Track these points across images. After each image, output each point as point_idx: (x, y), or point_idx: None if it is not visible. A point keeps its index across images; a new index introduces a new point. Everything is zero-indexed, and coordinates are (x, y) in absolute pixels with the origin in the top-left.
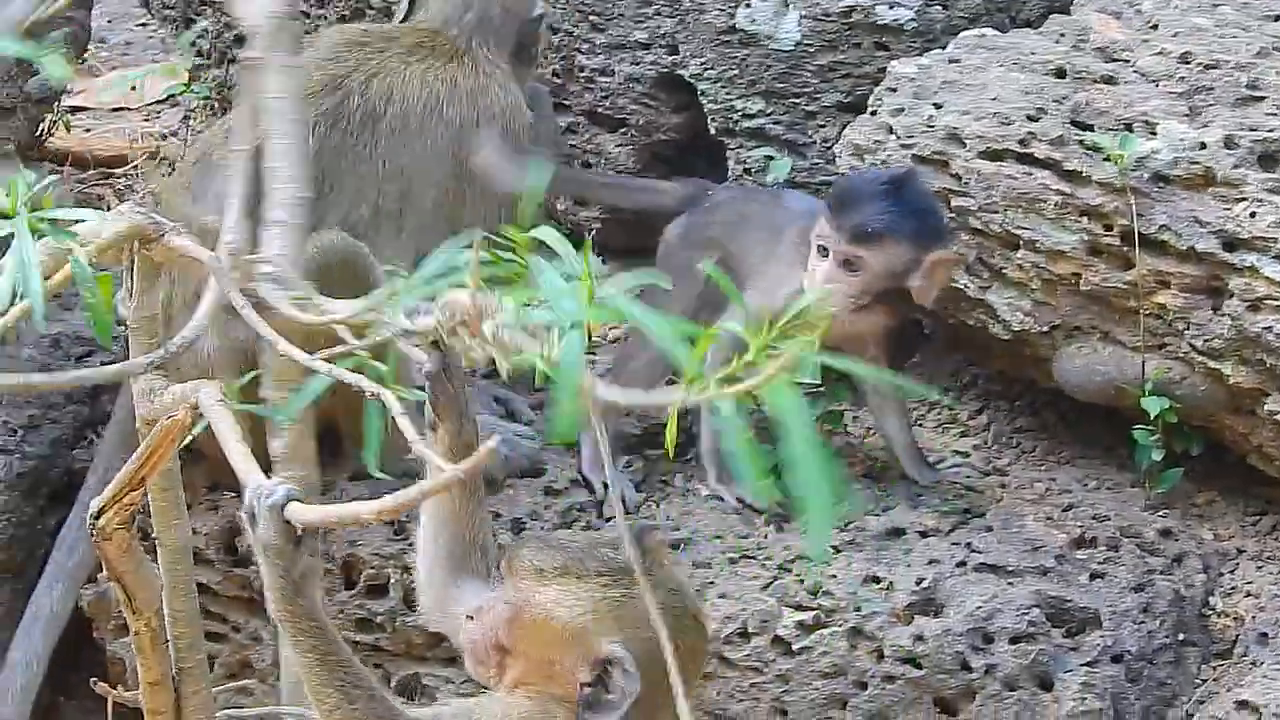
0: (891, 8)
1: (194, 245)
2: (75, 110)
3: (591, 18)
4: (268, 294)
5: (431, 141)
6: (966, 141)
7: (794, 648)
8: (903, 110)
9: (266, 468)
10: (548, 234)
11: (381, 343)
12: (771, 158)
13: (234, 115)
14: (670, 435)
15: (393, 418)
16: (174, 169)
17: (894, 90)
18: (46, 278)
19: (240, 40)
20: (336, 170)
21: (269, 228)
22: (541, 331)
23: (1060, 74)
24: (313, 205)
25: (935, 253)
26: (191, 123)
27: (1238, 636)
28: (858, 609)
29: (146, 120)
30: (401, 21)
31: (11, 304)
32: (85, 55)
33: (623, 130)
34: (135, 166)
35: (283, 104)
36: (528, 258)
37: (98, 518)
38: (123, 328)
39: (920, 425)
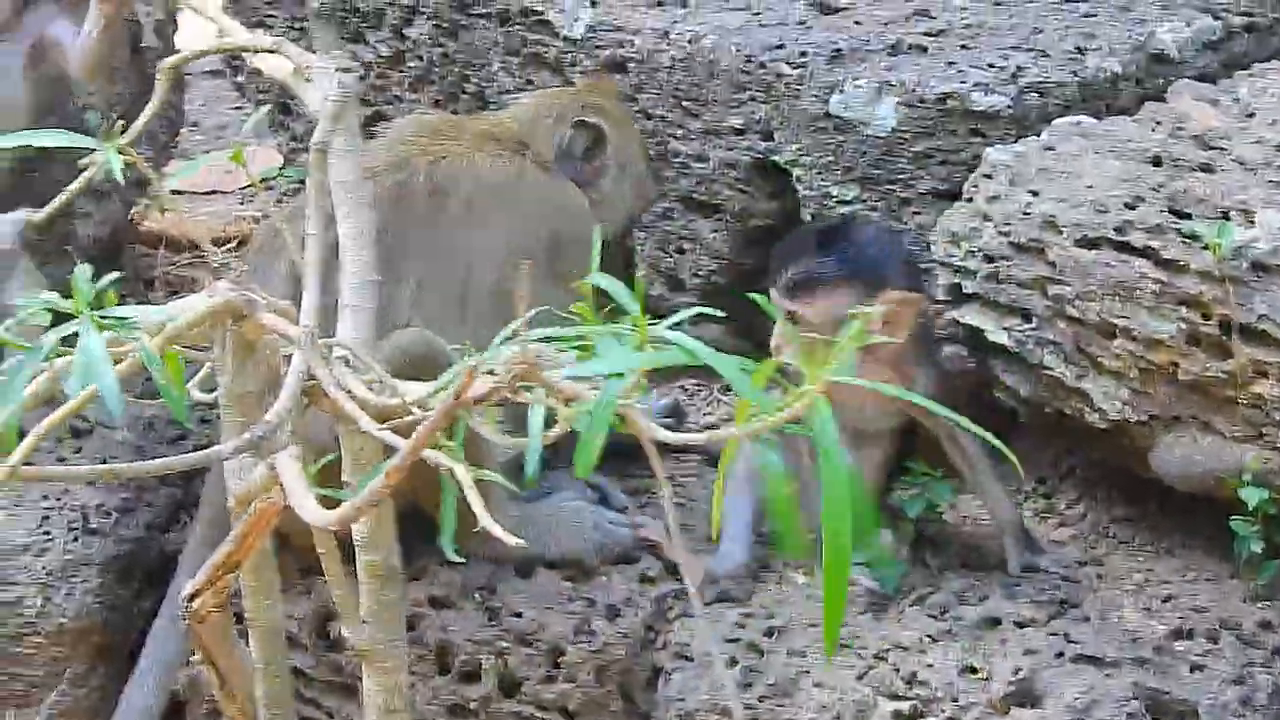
0: (987, 94)
1: (284, 322)
2: (172, 193)
3: (685, 103)
4: (343, 377)
5: (495, 228)
6: (1063, 229)
7: None
8: (998, 197)
9: (349, 550)
10: (602, 279)
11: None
12: None
13: (302, 197)
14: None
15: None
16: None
17: (989, 177)
18: (117, 361)
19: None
20: (401, 251)
21: (341, 311)
22: (600, 380)
23: (1157, 162)
24: (381, 288)
25: (886, 293)
26: (286, 204)
27: None
28: (954, 699)
29: (242, 203)
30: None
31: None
32: (178, 138)
33: (717, 215)
34: (229, 249)
35: (350, 186)
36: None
37: (191, 600)
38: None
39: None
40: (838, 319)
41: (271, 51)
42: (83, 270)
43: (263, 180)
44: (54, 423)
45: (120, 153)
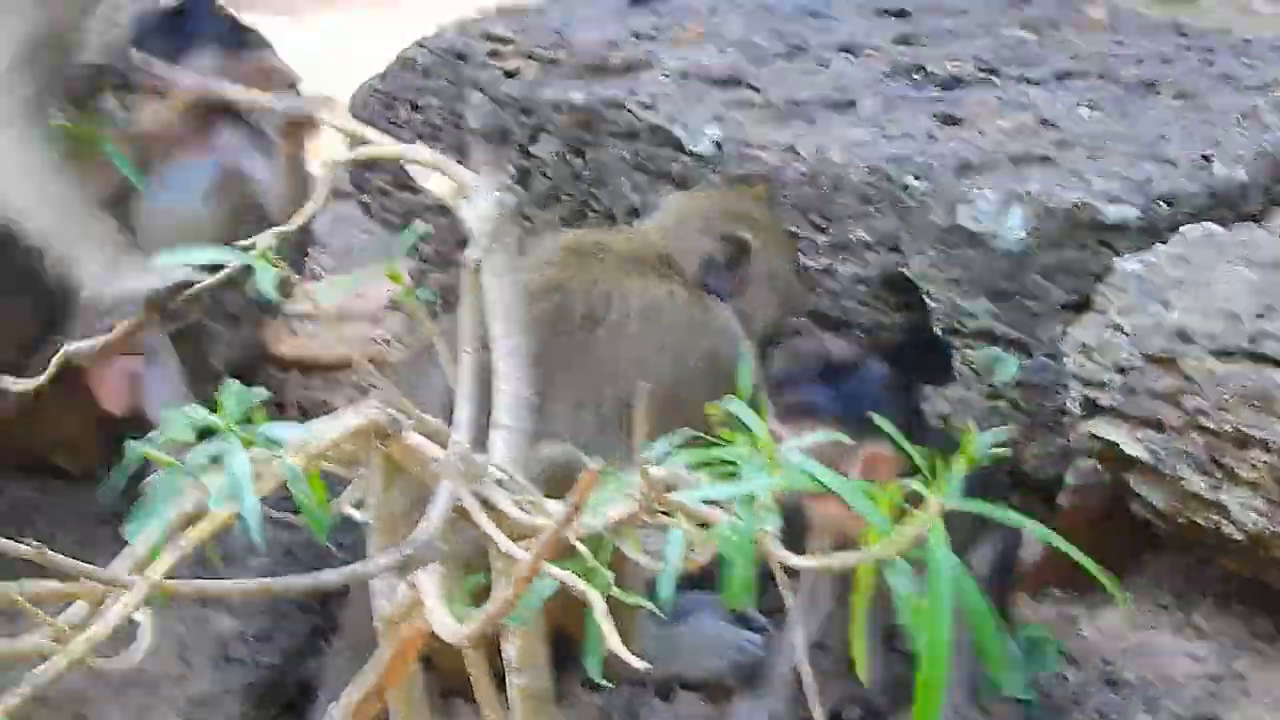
0: (1116, 205)
1: (428, 443)
2: (300, 317)
3: (813, 218)
4: (494, 496)
5: (649, 350)
6: (1196, 340)
7: None
8: (1130, 308)
9: (499, 674)
10: (733, 404)
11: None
12: (997, 357)
13: (456, 316)
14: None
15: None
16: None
17: (1120, 288)
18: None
19: (462, 244)
20: (553, 374)
21: (495, 430)
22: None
23: None
24: (536, 409)
25: (867, 448)
26: (415, 327)
27: None
28: None
29: (371, 325)
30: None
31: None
32: (306, 260)
33: (845, 329)
34: (359, 370)
35: (506, 307)
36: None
37: None
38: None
39: (1154, 628)
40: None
41: (435, 167)
42: (231, 386)
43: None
44: (197, 538)
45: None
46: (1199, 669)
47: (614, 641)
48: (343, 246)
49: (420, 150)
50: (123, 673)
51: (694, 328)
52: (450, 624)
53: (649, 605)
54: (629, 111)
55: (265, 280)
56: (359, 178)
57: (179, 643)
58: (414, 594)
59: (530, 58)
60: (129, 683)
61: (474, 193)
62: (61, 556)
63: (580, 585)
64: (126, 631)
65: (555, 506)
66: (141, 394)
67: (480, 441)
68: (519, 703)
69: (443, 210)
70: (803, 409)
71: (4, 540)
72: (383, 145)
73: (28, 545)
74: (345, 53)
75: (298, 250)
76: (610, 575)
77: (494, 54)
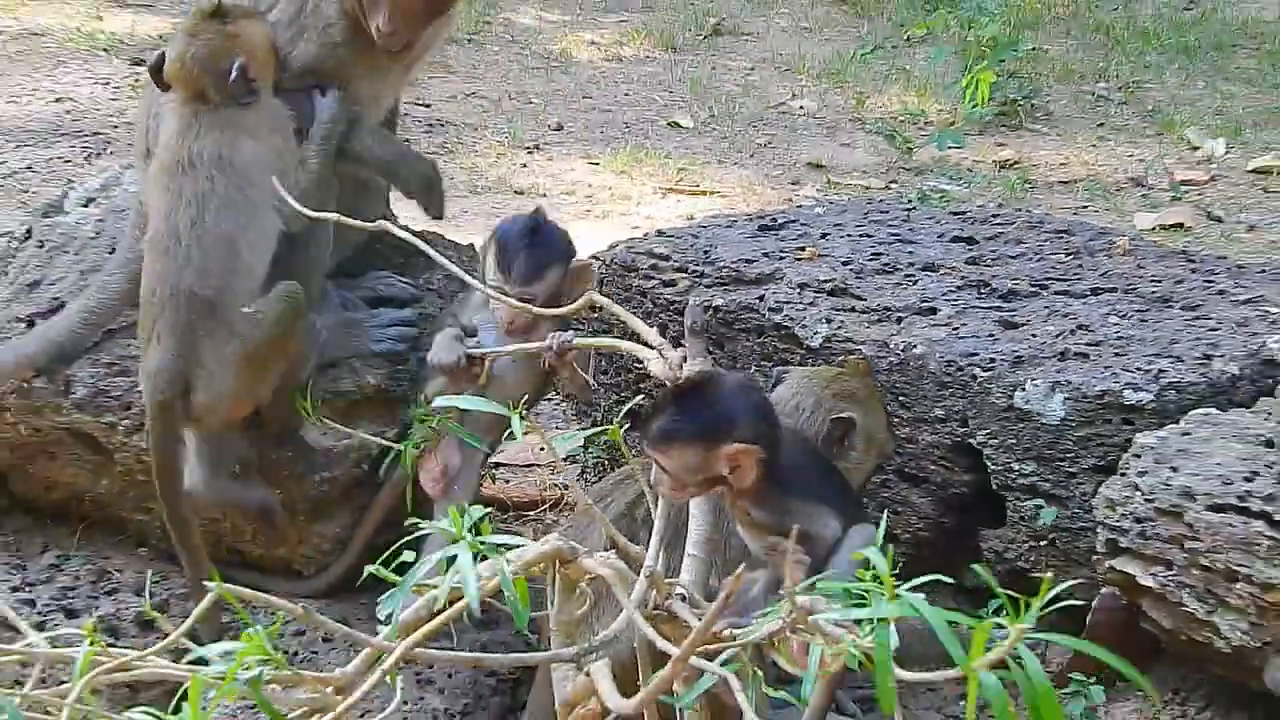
0: (1136, 392)
1: (598, 565)
2: (496, 465)
3: (900, 397)
4: (679, 610)
5: None
6: (1196, 497)
7: None
8: (1145, 472)
9: None
10: (874, 554)
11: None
12: (1041, 507)
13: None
14: None
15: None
16: (573, 509)
17: (1139, 456)
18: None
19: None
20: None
21: (687, 558)
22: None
23: (1269, 444)
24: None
25: (726, 447)
26: (587, 477)
27: None
28: None
29: (553, 474)
30: None
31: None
32: None
33: (923, 485)
34: (544, 510)
35: None
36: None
37: None
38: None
39: (1160, 718)
40: (689, 468)
41: (659, 351)
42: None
43: (567, 457)
44: (436, 626)
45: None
46: None
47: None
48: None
49: (653, 334)
50: None
51: None
52: (619, 700)
53: (793, 700)
54: (759, 314)
55: (517, 429)
56: None
57: (402, 716)
58: (588, 681)
59: (682, 271)
60: None
61: (685, 371)
62: (327, 619)
63: (733, 680)
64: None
65: (710, 608)
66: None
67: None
68: None
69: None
70: (667, 437)
71: (277, 599)
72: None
73: (295, 606)
74: None
75: None
76: (762, 675)
77: (655, 267)
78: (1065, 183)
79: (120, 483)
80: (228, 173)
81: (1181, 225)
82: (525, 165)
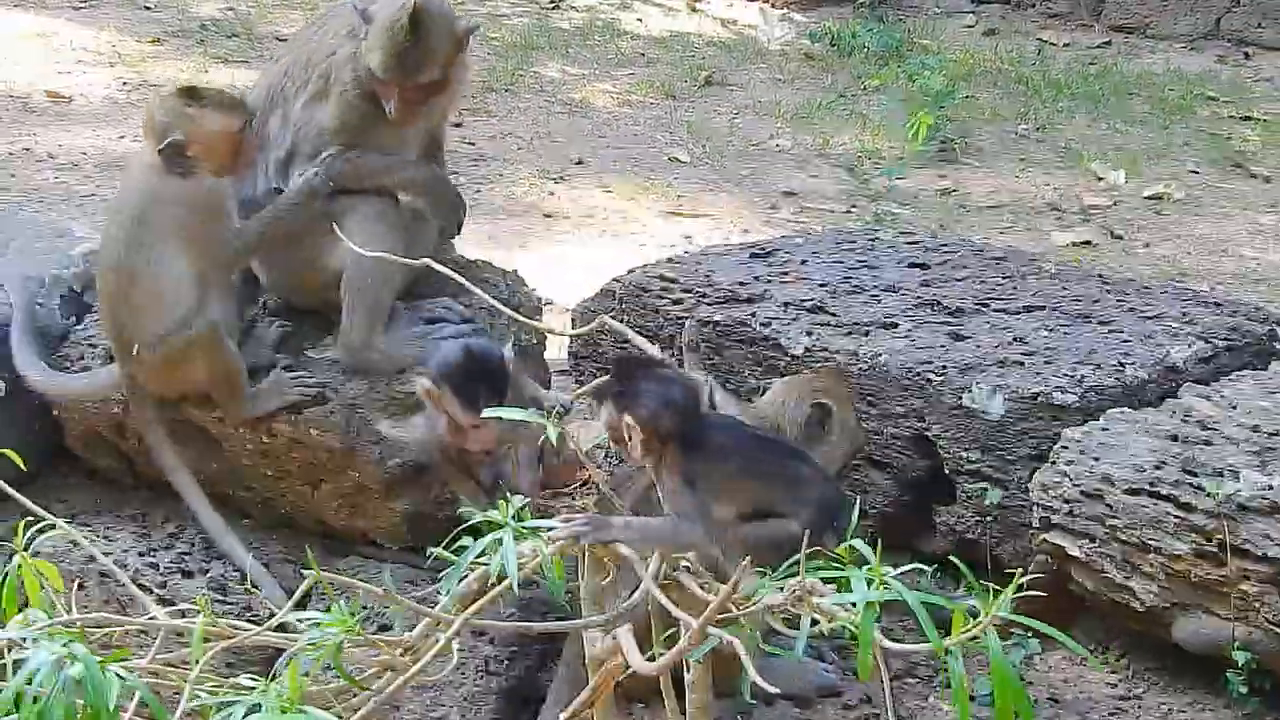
0: (1063, 393)
1: (624, 550)
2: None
3: (868, 397)
4: (684, 580)
5: None
6: (1115, 482)
7: None
8: (1072, 461)
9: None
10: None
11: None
12: (985, 489)
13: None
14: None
15: None
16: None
17: (1066, 448)
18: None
19: None
20: None
21: None
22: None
23: (1174, 438)
24: None
25: (624, 417)
26: (611, 460)
27: None
28: None
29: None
30: None
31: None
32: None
33: (887, 469)
34: (578, 488)
35: None
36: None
37: None
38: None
39: (1084, 664)
40: (609, 424)
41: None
42: (515, 499)
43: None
44: (485, 601)
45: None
46: (1112, 692)
47: (753, 674)
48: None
49: (654, 350)
50: (418, 679)
51: None
52: (643, 662)
53: (780, 652)
54: (750, 327)
55: (553, 434)
56: None
57: (458, 659)
58: (614, 642)
59: (687, 291)
60: (422, 687)
61: None
62: (403, 598)
63: (735, 641)
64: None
65: (723, 589)
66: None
67: None
68: (692, 711)
69: None
70: (596, 392)
71: (360, 583)
72: (629, 333)
73: (375, 589)
74: (561, 272)
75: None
76: (759, 635)
77: (664, 289)
78: (994, 206)
79: (228, 465)
80: (144, 228)
81: (1089, 242)
82: (552, 193)
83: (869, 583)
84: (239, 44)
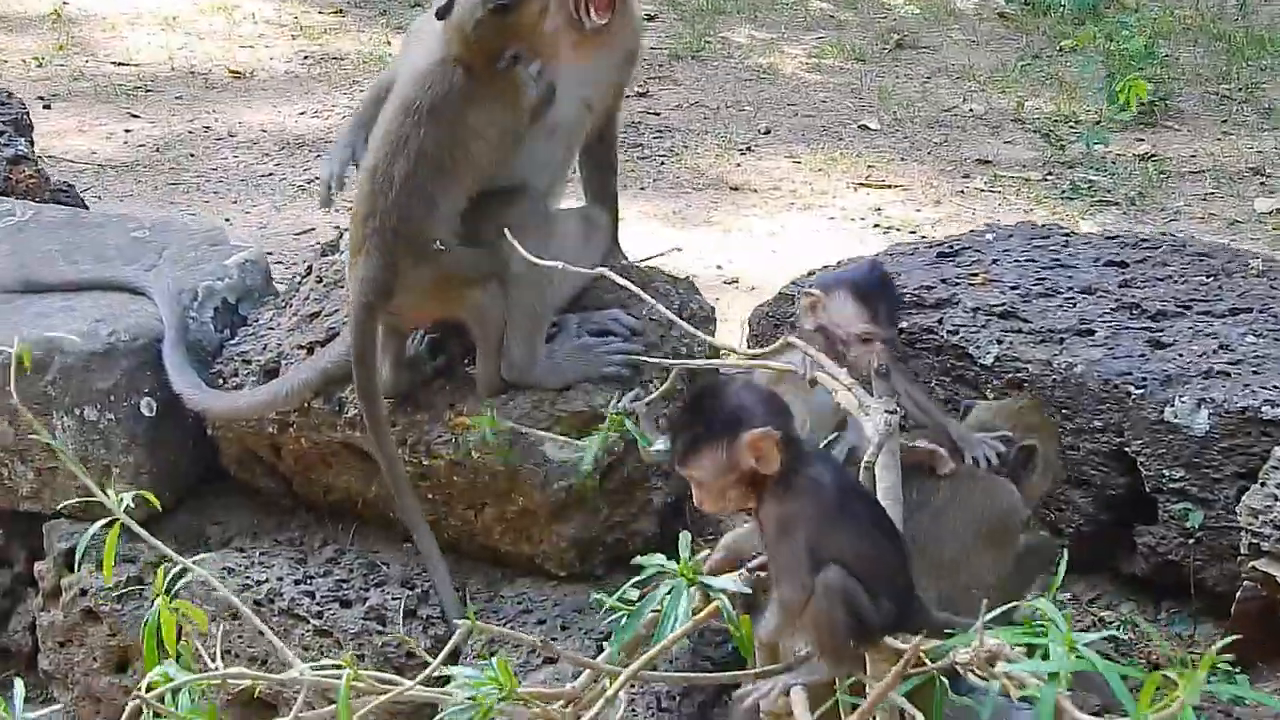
0: (1273, 407)
1: None
2: None
3: (1063, 410)
4: None
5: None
6: None
7: None
8: None
9: None
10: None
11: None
12: (1189, 509)
13: None
14: None
15: None
16: None
17: (1277, 468)
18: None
19: None
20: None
21: None
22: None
23: None
24: None
25: (742, 438)
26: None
27: None
28: None
29: None
30: None
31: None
32: None
33: (1084, 487)
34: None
35: (888, 489)
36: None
37: None
38: None
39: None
40: (719, 470)
41: (848, 389)
42: (685, 537)
43: None
44: (654, 655)
45: None
46: None
47: None
48: None
49: (847, 378)
50: None
51: (991, 501)
52: None
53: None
54: (938, 335)
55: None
56: None
57: (628, 699)
58: (787, 701)
59: None
60: None
61: (873, 411)
62: (564, 649)
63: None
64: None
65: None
66: None
67: None
68: None
69: None
70: (687, 448)
71: (521, 634)
72: (816, 355)
73: (532, 638)
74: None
75: None
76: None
77: None
78: (1194, 173)
79: (387, 488)
80: (447, 135)
81: None
82: (739, 165)
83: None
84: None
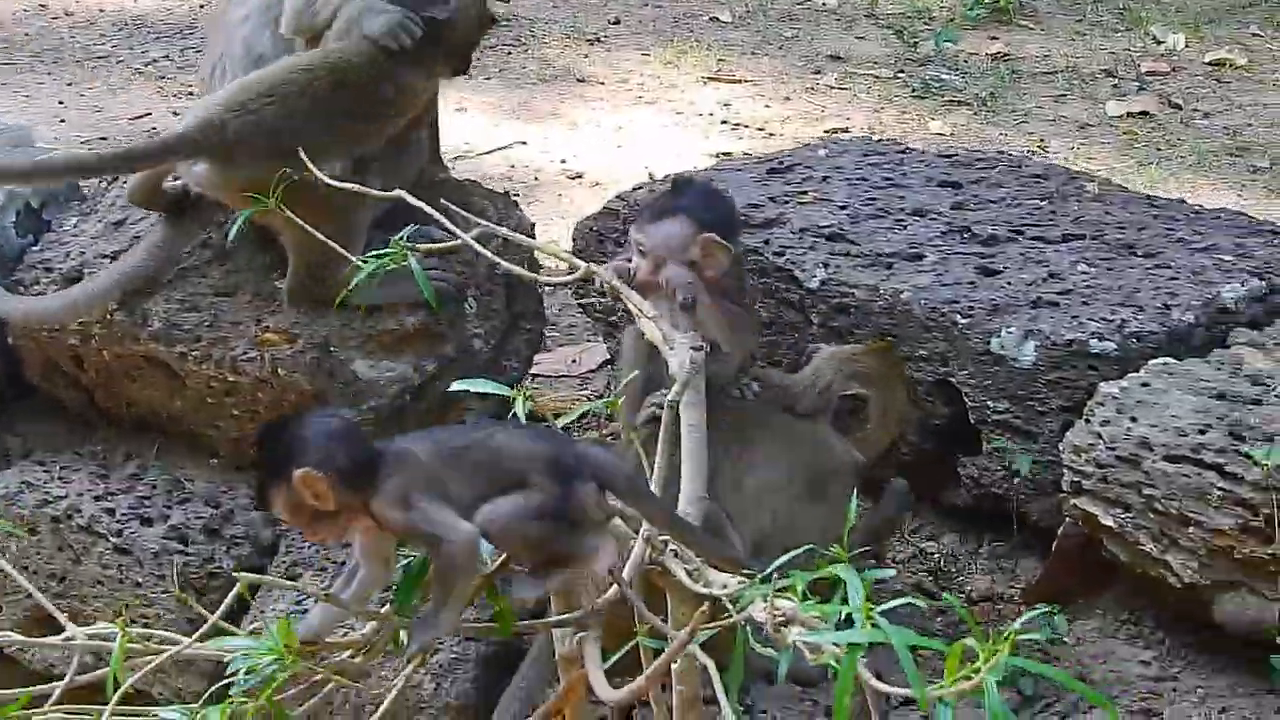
0: (1100, 340)
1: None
2: (534, 376)
3: (888, 338)
4: (671, 564)
5: (774, 463)
6: (1154, 448)
7: None
8: (1108, 421)
9: None
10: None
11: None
12: (1016, 450)
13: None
14: None
15: None
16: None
17: (1102, 404)
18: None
19: None
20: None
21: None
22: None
23: (1221, 396)
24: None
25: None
26: (613, 386)
27: None
28: None
29: (582, 386)
30: None
31: None
32: (543, 337)
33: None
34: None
35: (695, 429)
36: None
37: None
38: None
39: (1115, 638)
40: (292, 511)
41: (652, 321)
42: None
43: (601, 365)
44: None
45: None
46: (1145, 671)
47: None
48: (567, 324)
49: (647, 306)
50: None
51: (817, 449)
52: (605, 688)
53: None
54: (764, 257)
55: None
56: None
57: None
58: (576, 648)
59: None
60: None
61: (677, 346)
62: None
63: (712, 668)
64: None
65: (715, 576)
66: None
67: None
68: (679, 702)
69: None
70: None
71: (300, 585)
72: (622, 289)
73: (315, 590)
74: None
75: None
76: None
77: None
78: (1048, 73)
79: (192, 402)
80: None
81: (1146, 113)
82: (587, 56)
83: (850, 619)
84: None
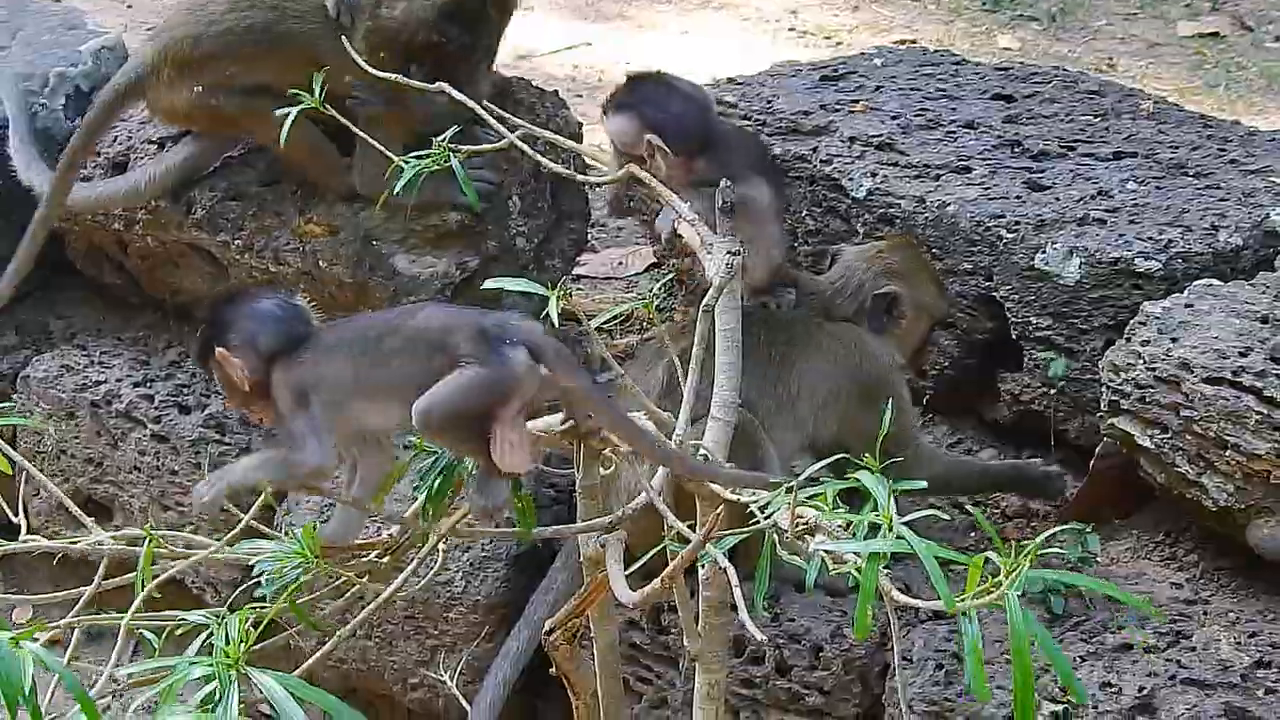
0: (1145, 260)
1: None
2: (578, 279)
3: (934, 250)
4: (699, 469)
5: (819, 372)
6: (1194, 369)
7: None
8: (1149, 341)
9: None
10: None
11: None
12: (1053, 358)
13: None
14: None
15: None
16: (643, 326)
17: (1144, 324)
18: None
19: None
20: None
21: (710, 421)
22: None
23: (1264, 320)
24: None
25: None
26: (656, 289)
27: None
28: (1095, 707)
29: (628, 290)
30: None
31: None
32: (589, 237)
33: (950, 329)
34: (617, 324)
35: (729, 334)
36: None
37: (550, 633)
38: None
39: (1147, 559)
40: (229, 385)
41: (690, 223)
42: None
43: (647, 269)
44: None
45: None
46: (1177, 594)
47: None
48: (615, 226)
49: (685, 209)
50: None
51: (854, 355)
52: (624, 590)
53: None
54: (811, 164)
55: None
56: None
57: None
58: (600, 551)
59: (746, 119)
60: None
61: (715, 250)
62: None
63: (732, 573)
64: None
65: (732, 477)
66: None
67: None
68: (704, 609)
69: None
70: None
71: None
72: (662, 191)
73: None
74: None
75: (579, 243)
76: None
77: (721, 114)
78: None
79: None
80: None
81: (1216, 34)
82: None
83: (875, 529)
84: None
